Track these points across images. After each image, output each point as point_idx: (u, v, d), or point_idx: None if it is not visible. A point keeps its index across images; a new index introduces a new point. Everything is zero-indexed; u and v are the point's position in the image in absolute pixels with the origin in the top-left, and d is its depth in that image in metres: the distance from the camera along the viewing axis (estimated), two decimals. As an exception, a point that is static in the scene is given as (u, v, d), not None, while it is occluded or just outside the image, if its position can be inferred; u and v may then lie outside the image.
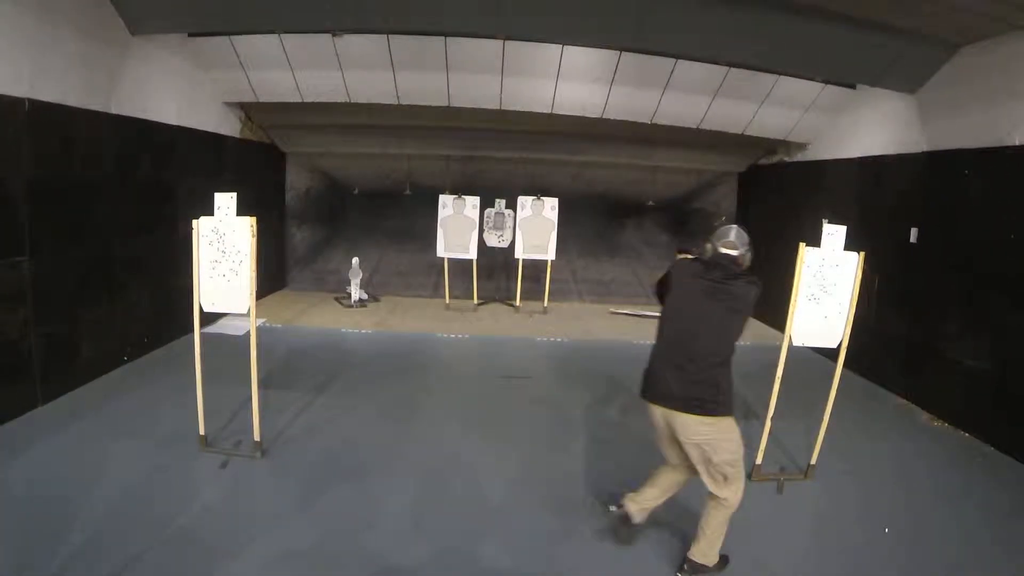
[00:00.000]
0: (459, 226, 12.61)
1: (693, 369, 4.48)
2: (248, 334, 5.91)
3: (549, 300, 13.22)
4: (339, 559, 4.58)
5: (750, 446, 6.48)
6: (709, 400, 4.45)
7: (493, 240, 13.15)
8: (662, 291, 4.76)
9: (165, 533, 4.72)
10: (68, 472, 5.50)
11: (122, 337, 8.28)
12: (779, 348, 5.86)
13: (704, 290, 4.48)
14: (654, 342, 4.70)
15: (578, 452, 6.52)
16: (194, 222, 5.72)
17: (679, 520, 5.20)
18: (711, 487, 4.54)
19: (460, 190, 12.96)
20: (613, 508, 5.01)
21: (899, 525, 5.34)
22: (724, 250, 4.58)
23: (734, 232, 4.64)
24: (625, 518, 4.83)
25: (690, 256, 4.74)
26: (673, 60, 9.67)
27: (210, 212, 5.75)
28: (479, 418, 7.33)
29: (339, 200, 14.71)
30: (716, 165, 13.90)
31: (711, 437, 4.43)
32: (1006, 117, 7.18)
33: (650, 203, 14.86)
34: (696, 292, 4.50)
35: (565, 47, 9.52)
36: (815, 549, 5.08)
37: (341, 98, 10.51)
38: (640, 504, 4.84)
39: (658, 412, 4.58)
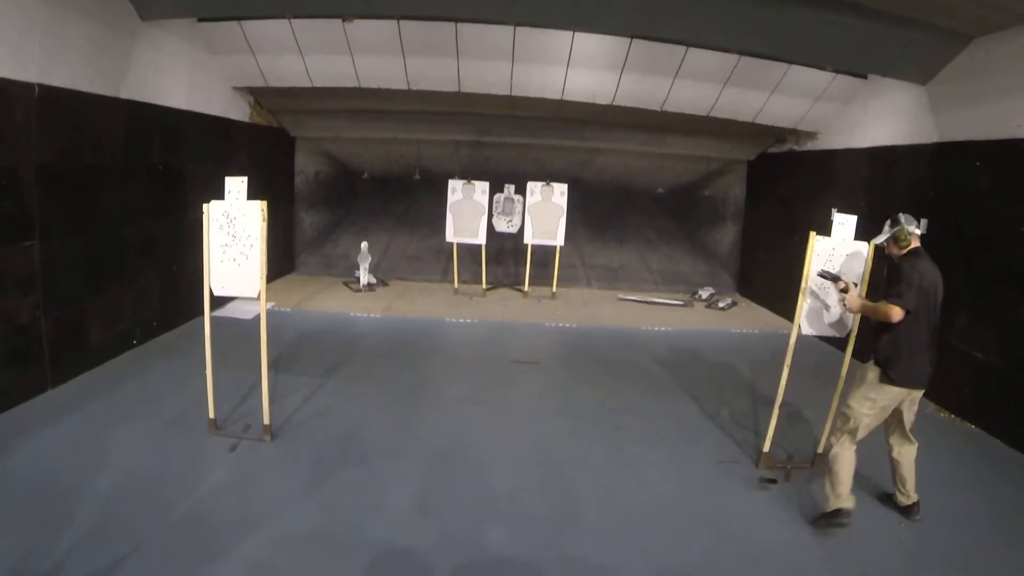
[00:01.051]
0: (468, 211, 12.62)
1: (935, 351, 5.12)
2: (257, 318, 5.94)
3: (558, 286, 13.25)
4: (346, 542, 4.61)
5: (758, 433, 6.53)
6: None
7: (502, 225, 13.14)
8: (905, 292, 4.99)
9: (174, 515, 4.75)
10: (77, 455, 5.54)
11: (132, 321, 8.30)
12: (787, 336, 5.86)
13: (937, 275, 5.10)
14: (903, 331, 4.94)
15: (586, 438, 6.53)
16: (205, 206, 5.73)
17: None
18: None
19: (469, 175, 12.97)
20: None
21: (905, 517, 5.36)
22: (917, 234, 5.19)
23: (905, 218, 5.19)
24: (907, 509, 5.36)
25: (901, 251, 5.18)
26: (684, 48, 9.62)
27: (220, 196, 5.77)
28: (487, 403, 7.35)
29: (348, 185, 14.71)
30: (726, 153, 13.86)
31: None
32: (1018, 109, 7.14)
33: (660, 190, 14.83)
34: (936, 278, 5.07)
35: (576, 34, 9.48)
36: (822, 537, 5.08)
37: (351, 83, 10.51)
38: (908, 492, 5.35)
39: (903, 394, 5.05)
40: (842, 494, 5.02)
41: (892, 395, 5.01)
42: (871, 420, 5.08)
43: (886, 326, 4.94)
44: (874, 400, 5.03)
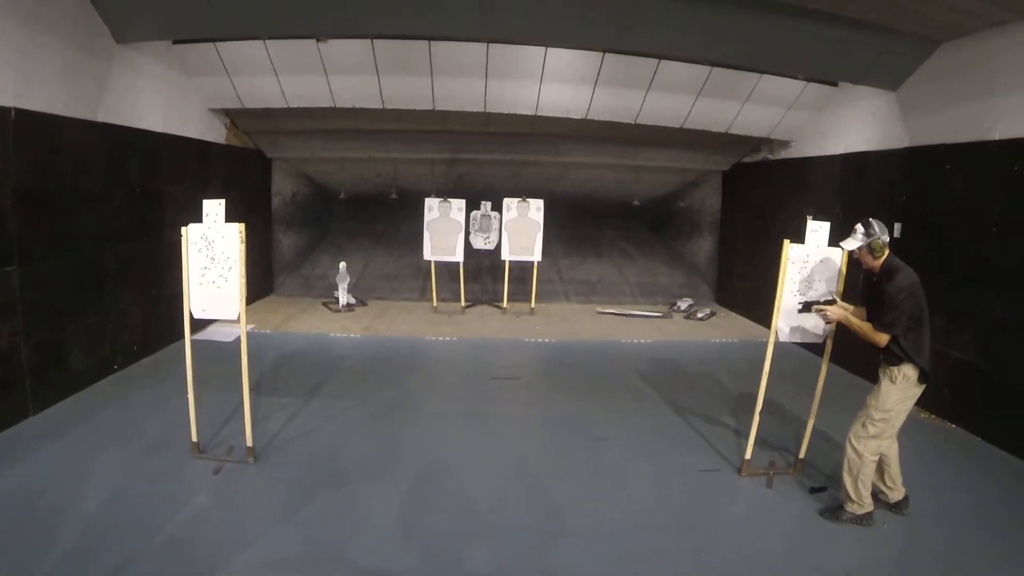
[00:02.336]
0: (445, 229, 12.63)
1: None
2: (237, 340, 5.96)
3: (536, 301, 13.25)
4: (330, 563, 4.60)
5: (740, 441, 6.57)
6: None
7: (479, 242, 13.18)
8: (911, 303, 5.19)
9: (158, 540, 4.73)
10: (60, 481, 5.50)
11: (112, 345, 8.27)
12: (765, 344, 5.91)
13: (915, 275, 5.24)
14: (919, 338, 5.17)
15: (569, 451, 6.55)
16: (183, 229, 5.72)
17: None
18: None
19: (446, 193, 13.02)
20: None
21: (888, 517, 5.40)
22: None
23: (882, 227, 5.28)
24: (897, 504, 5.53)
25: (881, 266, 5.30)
26: (656, 60, 9.71)
27: (198, 219, 5.77)
28: (468, 420, 7.36)
29: (325, 205, 14.71)
30: (701, 164, 13.94)
31: None
32: (986, 112, 7.26)
33: (636, 203, 14.93)
34: (916, 279, 5.24)
35: (549, 49, 9.56)
36: (805, 542, 5.12)
37: (326, 103, 10.53)
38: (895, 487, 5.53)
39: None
40: (868, 501, 5.30)
41: (918, 392, 5.25)
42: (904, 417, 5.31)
43: (914, 328, 5.12)
44: (913, 397, 5.24)
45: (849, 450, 5.24)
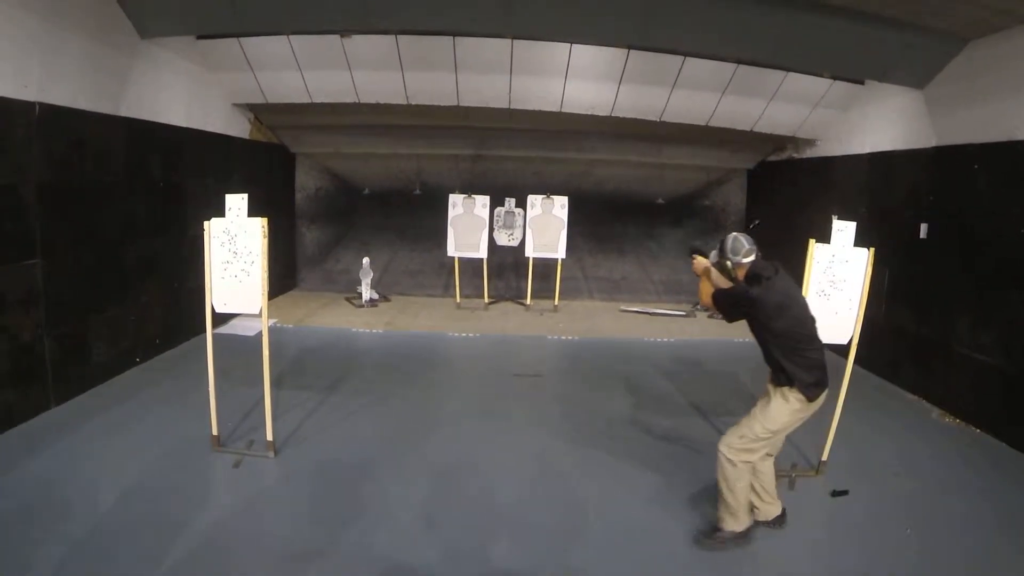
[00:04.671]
0: (469, 225, 12.62)
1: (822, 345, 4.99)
2: (259, 334, 5.94)
3: (559, 298, 13.21)
4: (351, 559, 4.60)
5: (761, 443, 6.49)
6: None
7: (503, 239, 13.14)
8: (741, 310, 4.94)
9: (178, 533, 4.73)
10: (81, 473, 5.54)
11: (134, 338, 8.32)
12: (789, 345, 5.85)
13: (793, 288, 4.98)
14: (802, 346, 4.80)
15: (590, 450, 6.51)
16: (205, 224, 5.73)
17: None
18: None
19: (470, 189, 12.97)
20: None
21: (910, 522, 5.33)
22: (749, 259, 4.88)
23: (745, 240, 4.89)
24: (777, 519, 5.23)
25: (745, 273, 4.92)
26: (681, 57, 9.65)
27: (221, 213, 5.77)
28: (490, 416, 7.34)
29: (349, 200, 14.73)
30: (725, 162, 13.86)
31: None
32: (1015, 111, 7.15)
33: (660, 200, 14.86)
34: (795, 294, 4.95)
35: (573, 46, 9.52)
36: (826, 545, 5.08)
37: (350, 98, 10.54)
38: (772, 500, 5.23)
39: (824, 395, 4.91)
40: (744, 517, 4.99)
41: (810, 412, 4.93)
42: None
43: (792, 354, 4.76)
44: (803, 418, 4.92)
45: (724, 462, 4.87)
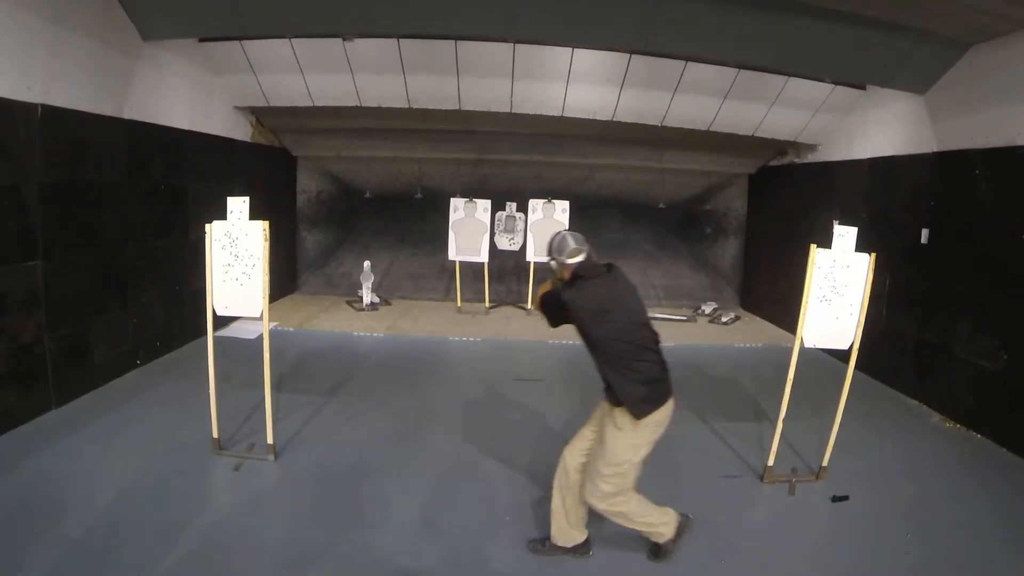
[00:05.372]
0: (470, 229, 12.63)
1: (660, 350, 4.60)
2: (260, 338, 5.94)
3: (561, 303, 13.10)
4: (351, 562, 4.60)
5: (762, 447, 6.51)
6: None
7: (504, 243, 13.15)
8: (560, 313, 4.62)
9: (179, 535, 4.74)
10: (81, 474, 5.54)
11: (135, 340, 8.32)
12: (790, 350, 5.85)
13: (619, 293, 4.54)
14: (629, 357, 4.42)
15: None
16: (207, 226, 5.74)
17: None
18: None
19: (471, 193, 13.00)
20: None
21: (912, 527, 5.32)
22: (575, 259, 4.56)
23: (571, 239, 4.61)
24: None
25: (570, 278, 4.61)
26: (683, 62, 9.65)
27: (222, 216, 5.78)
28: (490, 421, 7.35)
29: (350, 204, 14.72)
30: (727, 167, 13.85)
31: None
32: (1017, 116, 7.16)
33: (661, 205, 14.84)
34: (618, 300, 4.51)
35: (575, 50, 9.52)
36: (827, 551, 5.08)
37: (352, 102, 10.55)
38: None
39: (671, 405, 4.58)
40: (667, 520, 4.80)
41: (652, 432, 4.56)
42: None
43: (617, 364, 4.44)
44: (648, 441, 4.57)
45: (604, 511, 4.60)
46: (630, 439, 4.45)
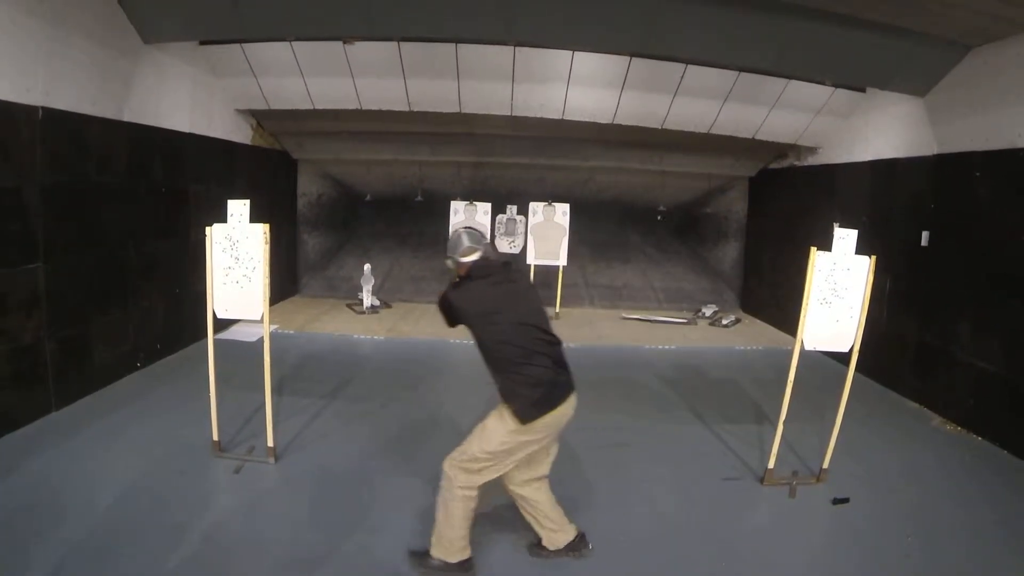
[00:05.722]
0: (471, 232, 12.59)
1: (555, 351, 4.47)
2: (260, 340, 5.96)
3: (561, 305, 13.24)
4: (350, 565, 4.60)
5: (763, 450, 6.50)
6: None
7: (505, 246, 13.14)
8: (454, 317, 4.60)
9: (179, 537, 4.73)
10: (82, 476, 5.54)
11: (135, 343, 8.32)
12: (791, 352, 5.84)
13: (506, 294, 4.47)
14: (517, 360, 4.33)
15: (591, 457, 6.50)
16: (207, 229, 5.74)
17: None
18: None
19: (471, 196, 13.01)
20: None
21: (912, 530, 5.32)
22: (469, 258, 4.55)
23: (467, 237, 4.60)
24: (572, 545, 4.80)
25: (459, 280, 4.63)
26: (683, 65, 9.66)
27: (222, 219, 5.78)
28: (491, 423, 7.32)
29: (351, 206, 14.72)
30: (727, 169, 13.86)
31: None
32: (1016, 119, 7.16)
33: (661, 208, 14.84)
34: (505, 300, 4.45)
35: (575, 53, 9.53)
36: (827, 553, 5.07)
37: (352, 105, 10.56)
38: (559, 527, 4.81)
39: (565, 409, 4.44)
40: (561, 523, 4.72)
41: (531, 436, 4.40)
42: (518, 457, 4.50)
43: (504, 366, 4.39)
44: (523, 444, 4.40)
45: (443, 477, 4.53)
46: (512, 436, 4.34)
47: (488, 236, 12.29)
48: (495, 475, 4.45)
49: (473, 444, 4.44)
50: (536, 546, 4.80)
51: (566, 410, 4.44)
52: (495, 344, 4.35)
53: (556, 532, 4.73)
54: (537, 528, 4.74)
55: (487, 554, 4.76)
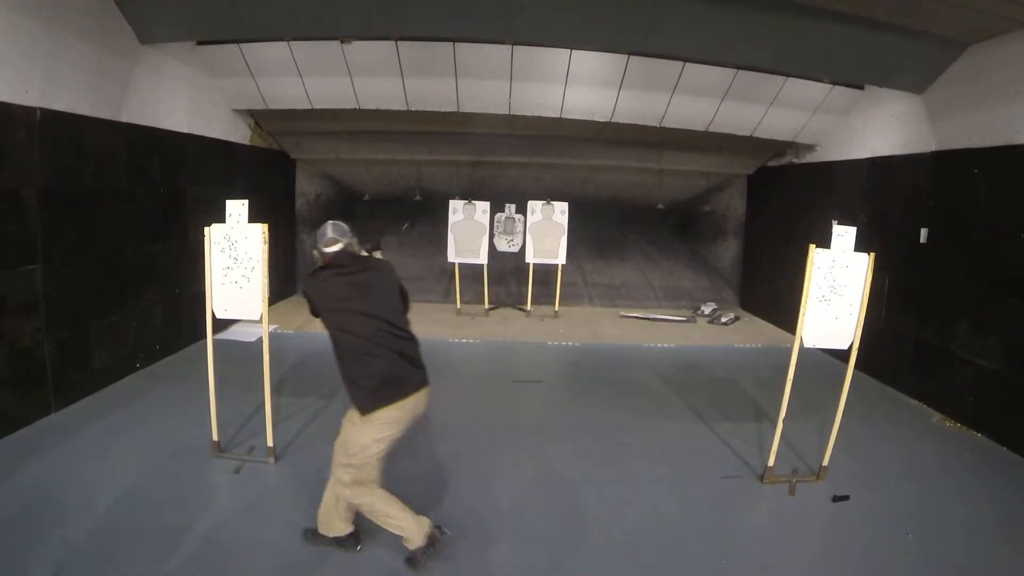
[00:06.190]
0: (470, 231, 12.63)
1: (403, 345, 4.60)
2: (260, 340, 5.95)
3: (560, 304, 13.21)
4: (349, 566, 4.61)
5: (762, 448, 6.51)
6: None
7: (503, 245, 13.15)
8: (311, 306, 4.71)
9: (179, 538, 4.73)
10: (81, 478, 5.53)
11: (134, 344, 8.32)
12: (790, 350, 5.84)
13: (351, 285, 4.57)
14: (358, 352, 4.45)
15: (590, 455, 6.51)
16: (206, 229, 5.74)
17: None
18: None
19: (470, 195, 13.01)
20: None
21: (912, 527, 5.32)
22: (331, 248, 4.64)
23: (330, 228, 4.68)
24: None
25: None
26: (681, 63, 9.66)
27: (221, 219, 5.78)
28: (490, 422, 7.34)
29: (349, 206, 14.69)
30: (725, 167, 13.85)
31: None
32: (1014, 115, 7.16)
33: (660, 206, 14.84)
34: (351, 291, 4.55)
35: (573, 52, 9.53)
36: (827, 551, 5.08)
37: (350, 104, 10.56)
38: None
39: (410, 404, 4.50)
40: (415, 527, 4.56)
41: (383, 430, 4.44)
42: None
43: (345, 357, 4.51)
44: (379, 439, 4.44)
45: (350, 503, 4.58)
46: (359, 433, 4.41)
47: (488, 234, 12.31)
48: (375, 470, 4.53)
49: (339, 455, 4.53)
50: (314, 533, 4.82)
51: (411, 406, 4.51)
52: (337, 333, 4.46)
53: (337, 521, 4.71)
54: (327, 511, 4.73)
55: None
